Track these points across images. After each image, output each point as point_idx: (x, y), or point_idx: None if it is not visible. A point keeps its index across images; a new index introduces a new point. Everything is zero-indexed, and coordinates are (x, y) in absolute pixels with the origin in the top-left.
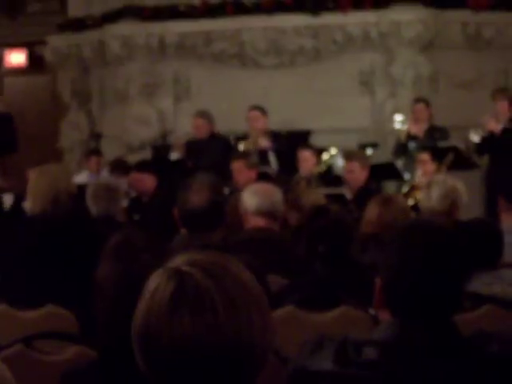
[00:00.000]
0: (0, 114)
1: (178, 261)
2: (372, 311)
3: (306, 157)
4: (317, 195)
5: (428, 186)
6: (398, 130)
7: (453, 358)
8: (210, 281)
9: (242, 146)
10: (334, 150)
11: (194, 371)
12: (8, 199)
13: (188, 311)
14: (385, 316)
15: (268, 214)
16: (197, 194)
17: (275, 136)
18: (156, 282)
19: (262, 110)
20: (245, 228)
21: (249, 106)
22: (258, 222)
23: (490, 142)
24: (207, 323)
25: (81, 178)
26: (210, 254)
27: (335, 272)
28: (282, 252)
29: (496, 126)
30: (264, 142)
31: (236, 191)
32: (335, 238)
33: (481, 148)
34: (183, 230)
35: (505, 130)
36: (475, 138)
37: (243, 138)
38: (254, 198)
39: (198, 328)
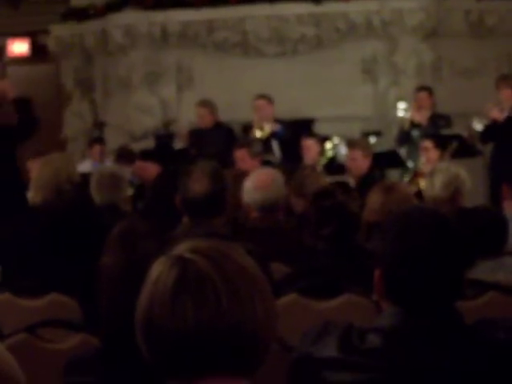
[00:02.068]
0: (19, 98)
1: (181, 248)
2: (375, 297)
3: (309, 145)
4: (322, 181)
5: (431, 173)
6: (401, 118)
7: (457, 345)
8: (213, 268)
9: (256, 134)
10: (336, 139)
11: (196, 359)
12: None
13: (190, 298)
14: (386, 306)
15: (270, 208)
16: (198, 182)
17: (278, 123)
18: (159, 270)
19: (268, 99)
20: (248, 217)
21: (254, 95)
22: (261, 214)
23: (493, 130)
24: (210, 310)
25: (84, 166)
26: (213, 241)
27: (339, 259)
28: (286, 240)
29: (499, 114)
30: (273, 127)
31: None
32: (341, 219)
33: (484, 136)
34: (185, 218)
35: (508, 118)
36: (478, 126)
37: (250, 127)
38: (255, 193)
39: (201, 315)
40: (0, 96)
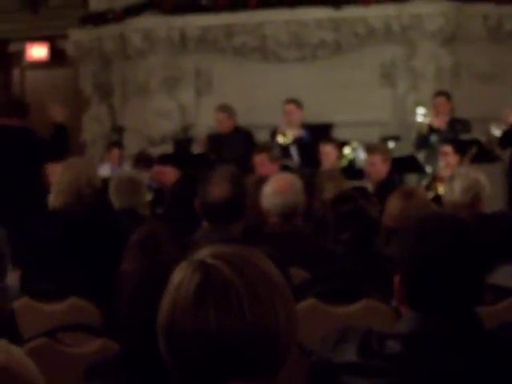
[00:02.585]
0: (57, 124)
1: (203, 254)
2: (394, 303)
3: (328, 151)
4: (342, 186)
5: (451, 178)
6: (420, 123)
7: (476, 351)
8: (235, 273)
9: (279, 139)
10: (355, 144)
11: (218, 363)
12: None
13: (213, 303)
14: (406, 311)
15: (289, 213)
16: (218, 187)
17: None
18: (181, 275)
19: (298, 103)
20: (267, 222)
21: (275, 99)
22: (280, 219)
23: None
24: (232, 315)
25: (103, 170)
26: (234, 246)
27: (358, 264)
28: (305, 245)
29: None
30: (295, 133)
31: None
32: (360, 224)
33: (503, 141)
34: (204, 222)
35: None
36: (497, 131)
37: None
38: (274, 198)
39: (224, 320)
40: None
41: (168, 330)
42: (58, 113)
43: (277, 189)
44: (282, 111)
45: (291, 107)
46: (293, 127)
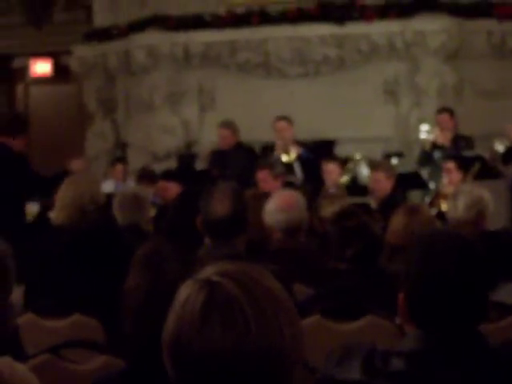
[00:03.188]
0: (68, 170)
1: (208, 271)
2: (398, 320)
3: (330, 169)
4: (335, 203)
5: (454, 195)
6: (423, 140)
7: (481, 369)
8: (240, 290)
9: (283, 158)
10: (358, 155)
11: (223, 380)
12: (34, 208)
13: (219, 321)
14: (410, 329)
15: (293, 229)
16: (219, 203)
17: (301, 146)
18: (187, 293)
19: (289, 121)
20: (270, 238)
21: (275, 116)
22: (284, 236)
23: None
24: (238, 333)
25: (107, 186)
26: (239, 264)
27: (362, 280)
28: (308, 261)
29: None
30: (297, 150)
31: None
32: (364, 241)
33: (506, 157)
34: (207, 239)
35: None
36: (500, 147)
37: (271, 148)
38: (278, 215)
39: (229, 337)
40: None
41: (173, 347)
42: (76, 166)
43: (280, 206)
44: (274, 129)
45: (282, 124)
46: (287, 144)
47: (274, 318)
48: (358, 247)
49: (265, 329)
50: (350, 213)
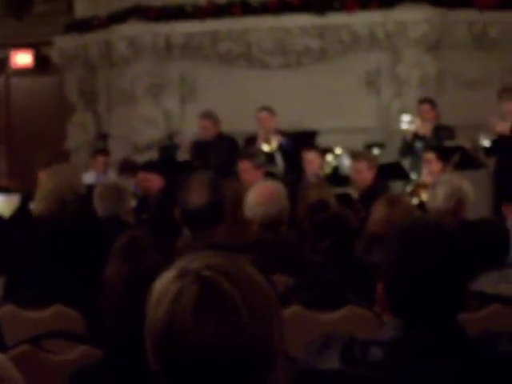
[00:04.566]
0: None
1: (195, 264)
2: (377, 310)
3: (311, 158)
4: (324, 194)
5: (434, 185)
6: (405, 130)
7: (459, 358)
8: (231, 285)
9: (264, 148)
10: (338, 150)
11: (214, 371)
12: (14, 200)
13: (212, 316)
14: (389, 319)
15: (273, 221)
16: (196, 193)
17: (282, 135)
18: (176, 288)
19: (271, 111)
20: (250, 229)
21: (258, 107)
22: (264, 227)
23: (500, 143)
24: (231, 327)
25: (88, 178)
26: (226, 256)
27: (341, 271)
28: (286, 253)
29: (505, 128)
30: (278, 139)
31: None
32: (337, 232)
33: (490, 150)
34: (186, 230)
35: None
36: (485, 141)
37: (253, 138)
38: (258, 207)
39: (222, 331)
40: None
41: (164, 340)
42: None
43: (260, 198)
44: (256, 119)
45: (264, 115)
46: (269, 134)
47: (264, 309)
48: (332, 239)
49: (256, 321)
50: (321, 206)
